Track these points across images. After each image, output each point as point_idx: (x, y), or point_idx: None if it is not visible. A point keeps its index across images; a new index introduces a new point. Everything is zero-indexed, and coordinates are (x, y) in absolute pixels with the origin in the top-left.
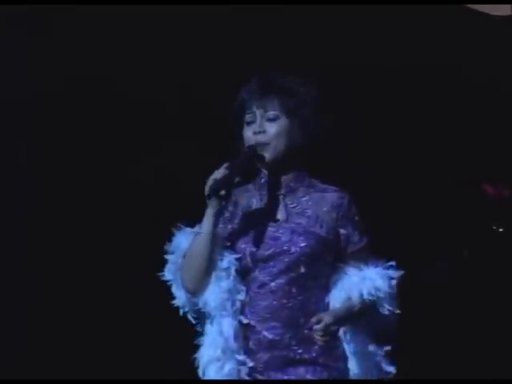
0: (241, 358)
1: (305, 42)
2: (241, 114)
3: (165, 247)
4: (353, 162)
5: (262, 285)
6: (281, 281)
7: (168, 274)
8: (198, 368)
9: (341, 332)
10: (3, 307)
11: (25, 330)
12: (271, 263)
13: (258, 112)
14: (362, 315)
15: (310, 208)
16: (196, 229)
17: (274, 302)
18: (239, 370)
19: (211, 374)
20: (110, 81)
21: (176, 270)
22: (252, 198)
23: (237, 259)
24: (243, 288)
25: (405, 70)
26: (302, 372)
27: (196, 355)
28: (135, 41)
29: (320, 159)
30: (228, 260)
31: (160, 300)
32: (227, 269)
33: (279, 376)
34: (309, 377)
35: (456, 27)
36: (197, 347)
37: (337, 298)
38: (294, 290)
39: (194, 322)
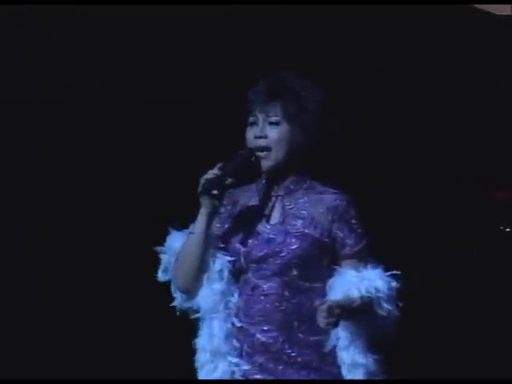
0: (233, 359)
1: (305, 42)
2: (245, 114)
3: (158, 247)
4: (353, 161)
5: (255, 287)
6: (273, 284)
7: (162, 275)
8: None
9: (336, 339)
10: (3, 307)
11: (24, 330)
12: (264, 265)
13: (261, 116)
14: (361, 313)
15: (306, 209)
16: (190, 228)
17: (267, 305)
18: (233, 372)
19: (204, 376)
20: (110, 81)
21: (170, 270)
22: (251, 198)
23: (230, 261)
24: (236, 290)
25: (406, 70)
26: (294, 376)
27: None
28: (135, 41)
29: (321, 161)
30: (221, 262)
31: (159, 300)
32: (220, 271)
33: (272, 378)
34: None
35: (456, 27)
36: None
37: (337, 295)
38: (286, 293)
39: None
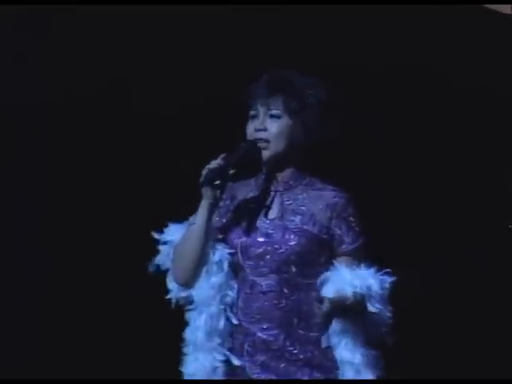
0: (219, 356)
1: (305, 42)
2: (246, 107)
3: (158, 238)
4: (353, 161)
5: (253, 285)
6: (271, 281)
7: (159, 266)
8: None
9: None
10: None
11: (24, 329)
12: (261, 262)
13: (262, 109)
14: (354, 311)
15: (306, 205)
16: (190, 220)
17: (266, 303)
18: (215, 368)
19: (186, 369)
20: (110, 81)
21: (168, 261)
22: (250, 193)
23: (229, 253)
24: (235, 285)
25: (406, 70)
26: (298, 374)
27: None
28: (135, 40)
29: (321, 158)
30: (220, 254)
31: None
32: (218, 262)
33: (274, 378)
34: (305, 377)
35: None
36: None
37: (330, 291)
38: (285, 291)
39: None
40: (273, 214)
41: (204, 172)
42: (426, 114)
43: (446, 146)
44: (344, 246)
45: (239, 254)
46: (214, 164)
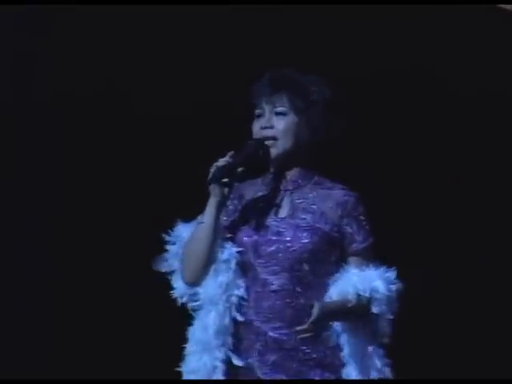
0: (220, 355)
1: (304, 42)
2: (251, 106)
3: (166, 238)
4: (353, 162)
5: (265, 283)
6: (283, 280)
7: (166, 265)
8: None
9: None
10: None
11: (24, 329)
12: (273, 261)
13: (267, 107)
14: (357, 314)
15: (316, 204)
16: (198, 219)
17: (278, 302)
18: (215, 367)
19: (186, 366)
20: (110, 81)
21: (176, 261)
22: (258, 192)
23: (238, 252)
24: (242, 284)
25: (406, 69)
26: (310, 374)
27: None
28: (136, 40)
29: (326, 157)
30: (229, 252)
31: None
32: (226, 261)
33: (284, 378)
34: (316, 377)
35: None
36: None
37: (333, 294)
38: (298, 289)
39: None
40: (283, 212)
41: (212, 170)
42: (427, 114)
43: (448, 146)
44: (355, 245)
45: (250, 253)
46: (221, 162)
